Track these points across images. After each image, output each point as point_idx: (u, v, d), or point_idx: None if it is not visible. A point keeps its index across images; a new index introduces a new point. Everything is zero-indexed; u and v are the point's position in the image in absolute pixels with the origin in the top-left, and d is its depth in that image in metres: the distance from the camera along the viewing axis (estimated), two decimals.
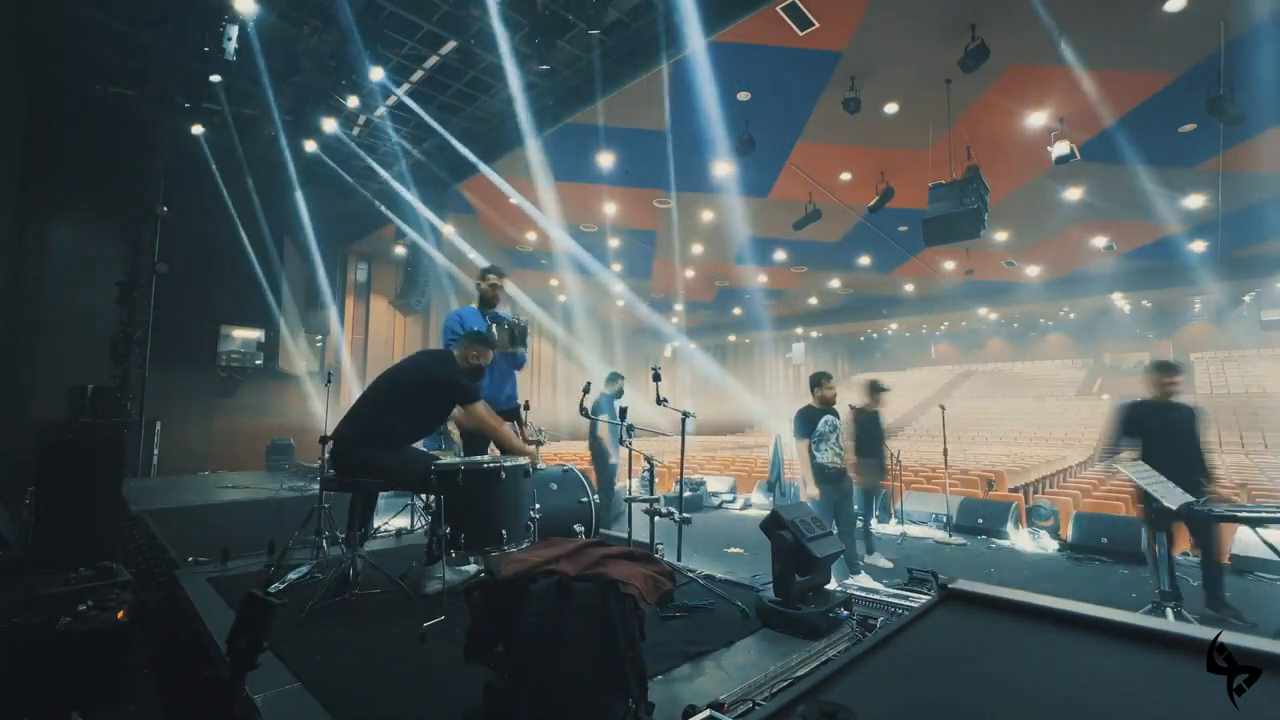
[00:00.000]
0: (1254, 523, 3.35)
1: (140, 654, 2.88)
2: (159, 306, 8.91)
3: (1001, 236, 13.26)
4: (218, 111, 8.97)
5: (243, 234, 10.93)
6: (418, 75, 8.24)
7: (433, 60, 7.84)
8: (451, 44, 7.49)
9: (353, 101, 8.14)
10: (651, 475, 3.93)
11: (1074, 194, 10.85)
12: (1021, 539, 6.45)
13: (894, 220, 12.31)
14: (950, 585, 1.02)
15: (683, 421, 3.63)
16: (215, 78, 7.63)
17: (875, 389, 5.99)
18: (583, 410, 3.88)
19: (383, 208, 11.29)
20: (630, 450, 3.65)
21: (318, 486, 3.70)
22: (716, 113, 8.66)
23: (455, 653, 1.85)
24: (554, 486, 3.75)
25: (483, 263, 16.40)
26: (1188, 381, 22.66)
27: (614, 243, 14.72)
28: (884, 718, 0.72)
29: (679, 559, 3.53)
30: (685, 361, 25.60)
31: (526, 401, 4.19)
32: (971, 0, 6.36)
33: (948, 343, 31.57)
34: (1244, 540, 5.10)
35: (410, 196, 10.80)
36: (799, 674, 2.22)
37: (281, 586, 3.17)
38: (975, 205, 7.65)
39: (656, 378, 3.62)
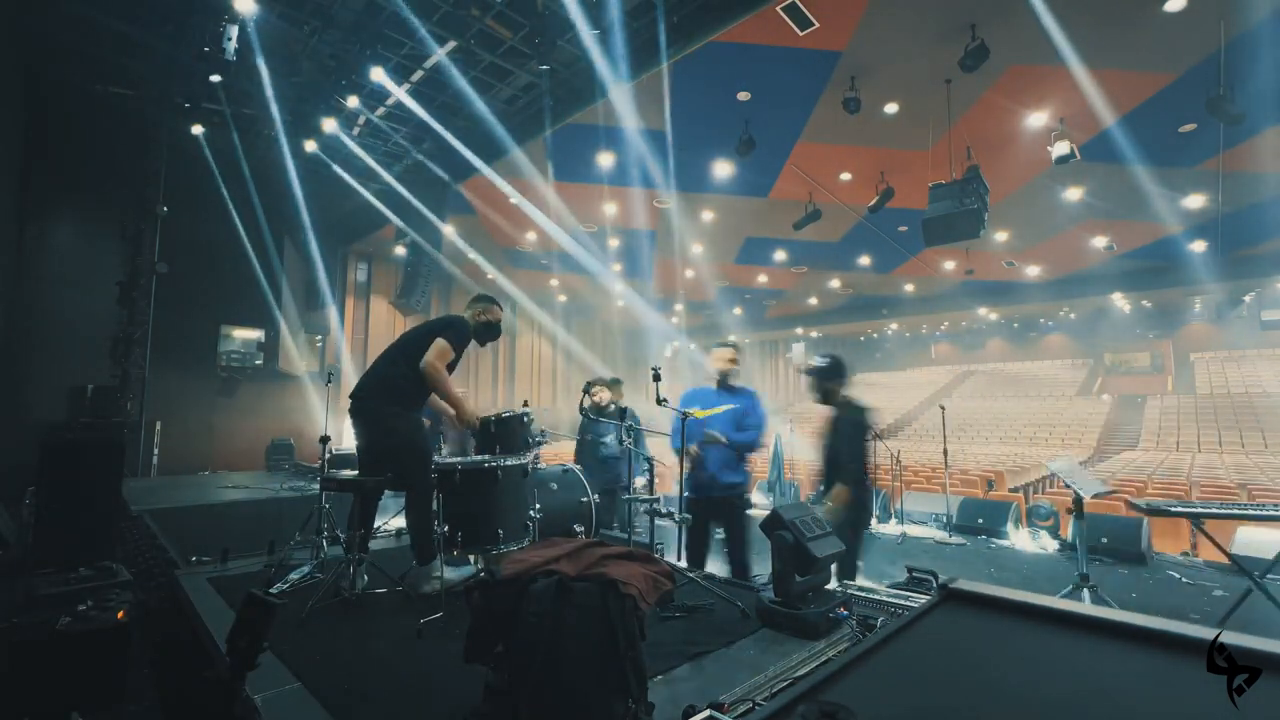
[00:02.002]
0: (1193, 518, 3.49)
1: (140, 654, 2.88)
2: (159, 306, 8.92)
3: (1001, 236, 13.26)
4: (218, 111, 8.97)
5: (243, 234, 10.93)
6: (418, 75, 8.24)
7: (433, 60, 7.84)
8: (452, 44, 7.49)
9: (353, 101, 8.14)
10: (651, 475, 3.93)
11: (1074, 194, 10.85)
12: (1021, 539, 6.45)
13: (894, 220, 12.31)
14: (950, 585, 1.02)
15: (683, 422, 3.63)
16: (215, 78, 7.62)
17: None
18: (582, 411, 3.88)
19: (383, 208, 11.29)
20: (631, 450, 3.66)
21: (318, 486, 3.70)
22: (716, 113, 8.67)
23: (455, 652, 1.85)
24: (554, 486, 3.75)
25: (483, 263, 16.38)
26: (1189, 381, 22.67)
27: (614, 243, 14.73)
28: (884, 718, 0.72)
29: (679, 559, 3.53)
30: (685, 361, 25.59)
31: (525, 401, 4.20)
32: (971, 0, 6.36)
33: (948, 343, 31.55)
34: (1244, 540, 5.10)
35: (410, 196, 10.81)
36: (799, 674, 2.22)
37: (285, 587, 3.17)
38: (975, 205, 7.65)
39: (657, 378, 3.62)
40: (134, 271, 8.53)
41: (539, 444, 3.73)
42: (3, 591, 3.14)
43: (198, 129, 9.26)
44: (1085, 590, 4.09)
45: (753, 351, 28.52)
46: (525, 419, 3.52)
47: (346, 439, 14.27)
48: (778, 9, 6.46)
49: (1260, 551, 4.57)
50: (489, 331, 3.56)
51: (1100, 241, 13.36)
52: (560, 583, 1.70)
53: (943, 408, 8.79)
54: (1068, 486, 4.13)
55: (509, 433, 3.46)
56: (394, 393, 3.23)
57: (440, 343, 3.21)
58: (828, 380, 3.62)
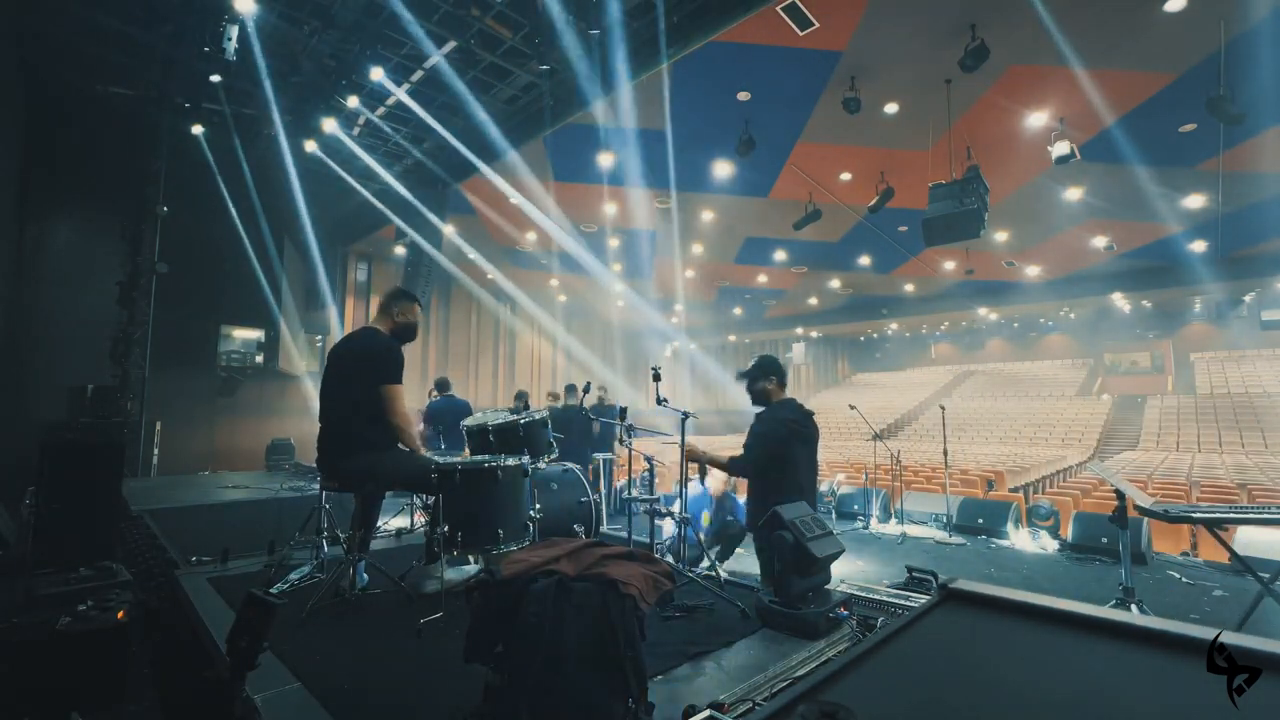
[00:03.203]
0: (1209, 524, 3.41)
1: (140, 654, 2.88)
2: (159, 306, 8.91)
3: (1001, 236, 13.26)
4: (218, 111, 8.97)
5: (243, 234, 10.92)
6: (418, 75, 8.24)
7: (433, 60, 7.84)
8: (451, 44, 7.49)
9: (353, 101, 8.14)
10: (651, 475, 3.93)
11: (1074, 194, 10.85)
12: (1021, 539, 6.45)
13: (894, 220, 12.31)
14: (950, 585, 1.02)
15: (683, 422, 3.63)
16: (215, 78, 7.62)
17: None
18: (582, 410, 3.88)
19: (383, 208, 11.29)
20: (630, 450, 3.66)
21: (318, 486, 3.69)
22: (716, 113, 8.67)
23: (455, 652, 1.85)
24: (554, 486, 3.75)
25: (483, 263, 16.44)
26: (1189, 381, 22.66)
27: (614, 243, 14.73)
28: (884, 718, 0.72)
29: (680, 560, 3.53)
30: (685, 361, 25.59)
31: (526, 404, 4.19)
32: (971, 0, 6.36)
33: (948, 343, 31.57)
34: (1245, 540, 5.10)
35: (410, 196, 10.81)
36: (799, 674, 2.22)
37: (285, 587, 3.17)
38: (975, 205, 7.65)
39: (657, 378, 3.62)
40: (134, 271, 8.52)
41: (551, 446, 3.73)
42: (3, 591, 3.14)
43: (198, 129, 9.25)
44: (1134, 605, 3.74)
45: (752, 351, 28.53)
46: (545, 423, 3.52)
47: None
48: (778, 9, 6.46)
49: (1261, 551, 4.57)
50: (407, 334, 3.24)
51: (1100, 241, 13.36)
52: (560, 583, 1.70)
53: (943, 408, 8.79)
54: (1117, 495, 3.88)
55: (535, 436, 3.47)
56: (365, 446, 2.98)
57: (393, 390, 3.00)
58: (757, 381, 3.47)
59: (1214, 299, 20.10)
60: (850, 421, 21.47)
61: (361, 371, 3.02)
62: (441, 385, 7.10)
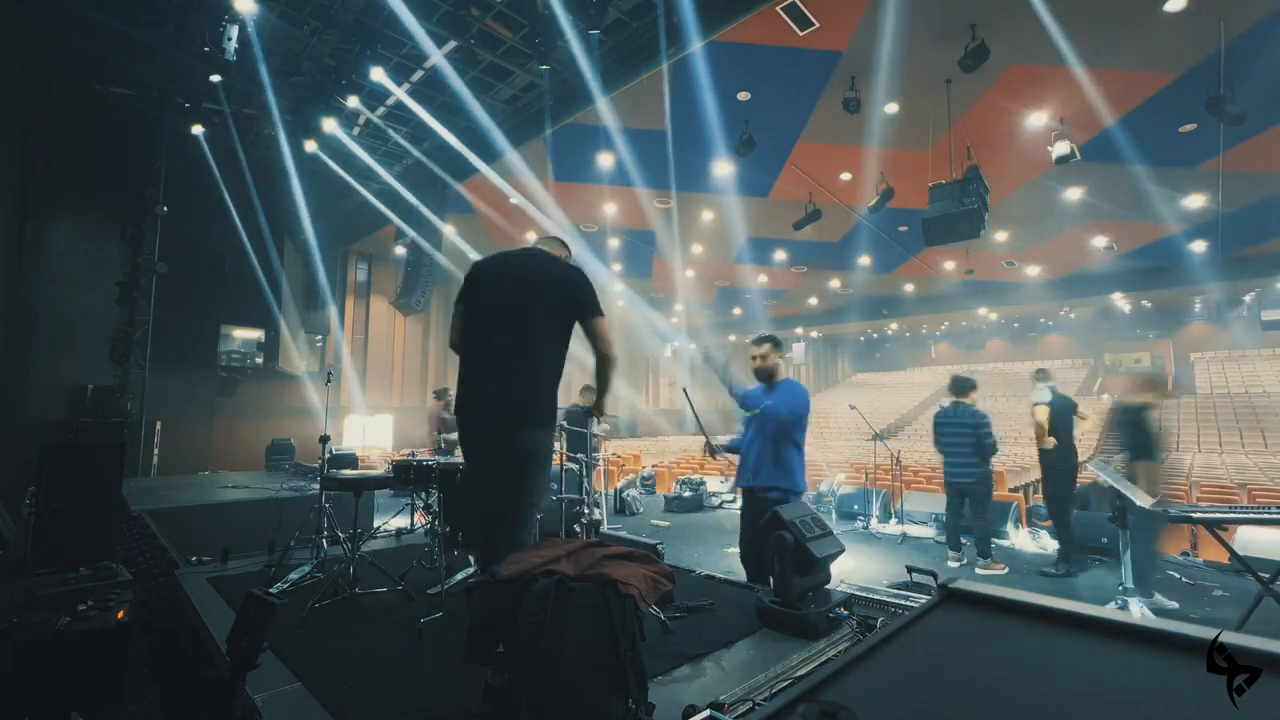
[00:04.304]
0: (1209, 524, 3.42)
1: (140, 654, 2.88)
2: (159, 306, 8.91)
3: (1001, 236, 13.26)
4: (218, 111, 8.97)
5: (243, 234, 10.92)
6: (418, 75, 8.24)
7: (433, 60, 7.84)
8: (451, 44, 7.49)
9: (353, 101, 8.15)
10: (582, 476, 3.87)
11: (1074, 194, 10.85)
12: (1021, 539, 6.45)
13: (894, 220, 12.31)
14: (950, 585, 1.02)
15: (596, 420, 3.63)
16: (215, 78, 7.62)
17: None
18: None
19: (383, 207, 11.29)
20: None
21: (318, 486, 3.69)
22: (716, 113, 8.66)
23: (455, 652, 1.85)
24: (554, 486, 3.76)
25: None
26: (1188, 382, 22.66)
27: (614, 243, 14.73)
28: (884, 718, 0.72)
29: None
30: (685, 361, 25.57)
31: None
32: (971, 0, 6.35)
33: (948, 343, 31.58)
34: (1245, 540, 5.10)
35: (410, 196, 10.81)
36: (799, 674, 2.22)
37: (285, 587, 3.17)
38: (975, 205, 7.65)
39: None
40: (134, 271, 8.52)
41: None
42: (3, 591, 3.14)
43: (198, 129, 9.25)
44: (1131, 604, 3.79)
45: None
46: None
47: (347, 439, 14.22)
48: (778, 9, 6.45)
49: (1261, 551, 4.58)
50: None
51: (1100, 241, 13.36)
52: (560, 583, 1.70)
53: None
54: (1118, 496, 3.90)
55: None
56: (541, 412, 2.40)
57: (604, 324, 2.43)
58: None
59: (1214, 299, 20.12)
60: (850, 421, 21.45)
61: (557, 309, 2.38)
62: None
